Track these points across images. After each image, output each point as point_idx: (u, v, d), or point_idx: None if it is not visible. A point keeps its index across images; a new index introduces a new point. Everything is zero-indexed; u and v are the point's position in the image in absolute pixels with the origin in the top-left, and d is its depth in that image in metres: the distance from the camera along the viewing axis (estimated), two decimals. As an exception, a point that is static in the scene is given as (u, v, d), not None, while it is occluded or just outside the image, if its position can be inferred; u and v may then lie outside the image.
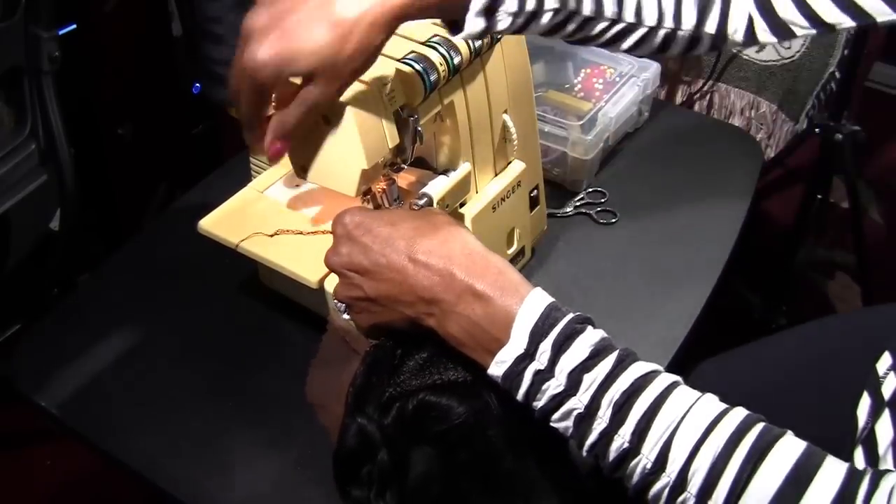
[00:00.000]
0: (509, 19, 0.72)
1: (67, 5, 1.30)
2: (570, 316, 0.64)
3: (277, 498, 0.87)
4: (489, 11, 0.71)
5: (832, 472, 0.57)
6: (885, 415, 0.71)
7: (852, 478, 0.56)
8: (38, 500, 1.53)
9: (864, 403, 0.76)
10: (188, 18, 1.49)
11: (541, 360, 0.62)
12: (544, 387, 0.62)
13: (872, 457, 0.71)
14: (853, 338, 0.86)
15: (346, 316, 0.75)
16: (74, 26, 1.38)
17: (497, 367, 0.64)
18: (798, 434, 0.59)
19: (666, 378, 0.62)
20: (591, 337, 0.63)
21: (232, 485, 0.88)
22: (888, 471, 0.57)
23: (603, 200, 1.19)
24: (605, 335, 0.64)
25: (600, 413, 0.61)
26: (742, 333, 1.10)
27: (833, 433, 0.76)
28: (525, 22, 0.73)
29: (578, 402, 0.61)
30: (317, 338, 0.98)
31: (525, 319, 0.63)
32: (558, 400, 0.62)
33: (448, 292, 0.65)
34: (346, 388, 0.72)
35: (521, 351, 0.63)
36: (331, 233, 0.75)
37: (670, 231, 1.14)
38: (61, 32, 1.17)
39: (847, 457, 0.73)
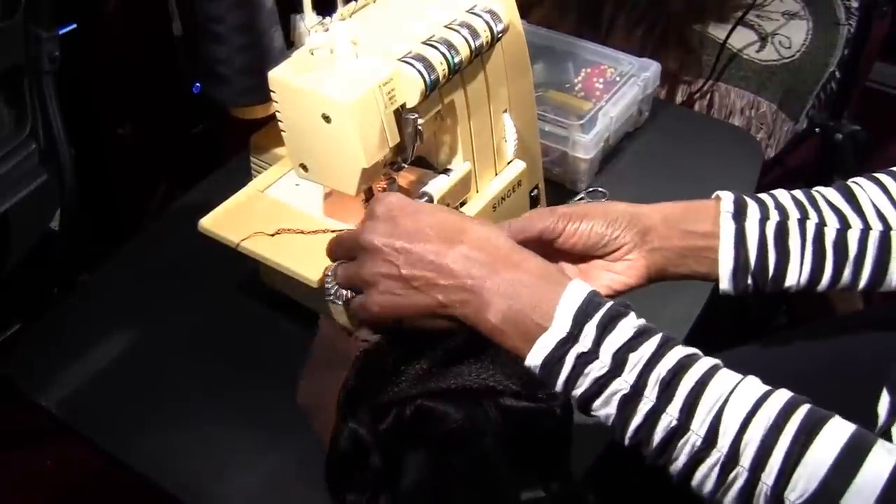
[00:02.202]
0: None
1: (67, 5, 1.30)
2: (612, 301, 0.64)
3: (277, 498, 0.87)
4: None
5: (885, 450, 0.57)
6: None
7: None
8: (38, 500, 1.53)
9: (884, 401, 0.75)
10: (188, 18, 1.49)
11: (584, 343, 0.62)
12: (587, 370, 0.62)
13: None
14: (871, 334, 0.86)
15: (338, 296, 0.73)
16: (74, 26, 1.38)
17: (537, 355, 0.63)
18: None
19: (709, 360, 0.62)
20: (634, 320, 0.63)
21: (232, 485, 0.88)
22: None
23: (603, 200, 1.19)
24: (645, 321, 0.64)
25: (647, 392, 0.61)
26: (742, 333, 1.10)
27: None
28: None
29: (624, 382, 0.61)
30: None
31: (568, 304, 0.63)
32: (601, 382, 0.61)
33: (490, 281, 0.65)
34: (336, 392, 0.71)
35: (564, 335, 0.62)
36: (332, 232, 0.75)
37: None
38: (61, 32, 1.17)
39: None
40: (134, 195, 1.64)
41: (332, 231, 0.91)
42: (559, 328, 0.63)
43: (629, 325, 0.62)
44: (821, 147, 1.67)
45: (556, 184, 1.20)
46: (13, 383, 0.97)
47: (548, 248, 0.76)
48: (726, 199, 0.76)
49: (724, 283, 0.76)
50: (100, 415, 0.94)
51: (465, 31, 0.86)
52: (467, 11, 0.88)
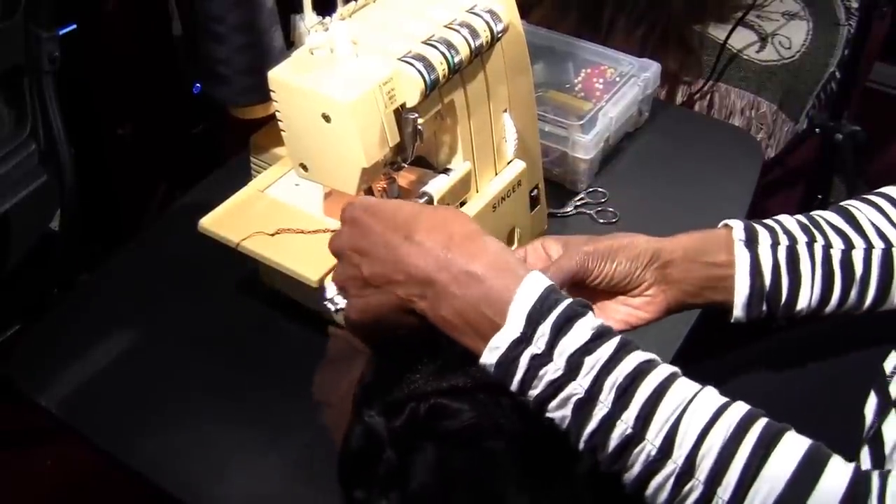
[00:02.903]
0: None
1: (67, 5, 1.30)
2: (570, 300, 0.61)
3: (277, 498, 0.87)
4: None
5: (841, 466, 0.57)
6: (892, 415, 0.71)
7: (860, 473, 0.56)
8: (38, 500, 1.53)
9: (871, 403, 0.76)
10: (188, 18, 1.49)
11: (538, 344, 0.60)
12: (541, 372, 0.60)
13: (878, 456, 0.70)
14: (860, 337, 0.86)
15: (332, 305, 0.73)
16: (74, 26, 1.38)
17: (491, 354, 0.61)
18: (804, 432, 0.59)
19: (667, 367, 0.61)
20: (592, 321, 0.61)
21: (232, 485, 0.88)
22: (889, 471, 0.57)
23: (603, 200, 1.19)
24: (606, 322, 0.62)
25: (602, 397, 0.59)
26: (742, 333, 1.10)
27: (839, 433, 0.76)
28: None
29: (578, 386, 0.59)
30: (317, 337, 0.98)
31: (522, 302, 0.61)
32: (556, 386, 0.60)
33: (442, 272, 0.62)
34: (350, 387, 0.71)
35: (518, 335, 0.60)
36: (332, 231, 0.75)
37: (670, 231, 1.13)
38: (61, 32, 1.17)
39: (853, 456, 0.73)
40: (134, 195, 1.64)
41: (332, 231, 0.91)
42: (513, 328, 0.60)
43: (586, 326, 0.60)
44: (821, 147, 1.67)
45: (556, 184, 1.20)
46: (13, 383, 0.97)
47: (570, 285, 0.75)
48: (737, 227, 0.76)
49: (738, 311, 0.75)
50: (100, 415, 0.94)
51: (465, 31, 0.86)
52: (467, 11, 0.88)
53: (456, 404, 0.67)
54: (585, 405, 0.59)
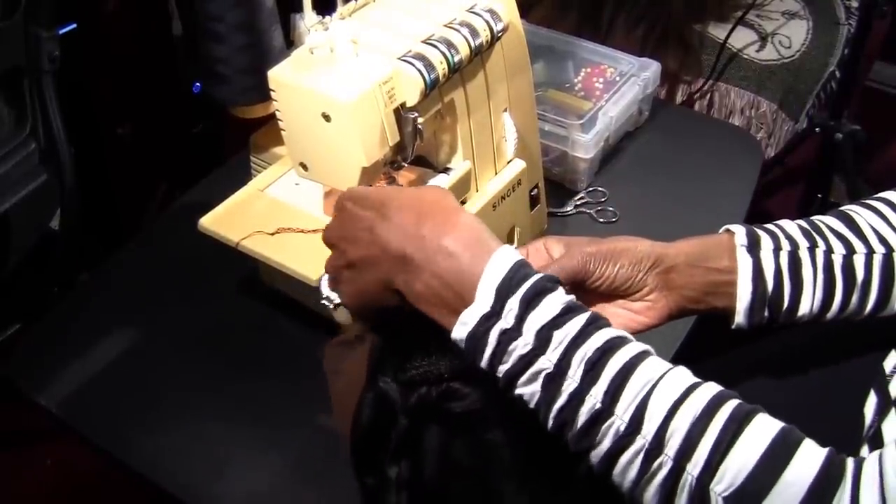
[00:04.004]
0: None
1: (67, 5, 1.30)
2: (540, 274, 0.61)
3: (277, 497, 0.87)
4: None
5: (813, 448, 0.56)
6: (892, 414, 0.71)
7: (835, 456, 0.56)
8: (38, 500, 1.53)
9: (871, 402, 0.76)
10: (188, 17, 1.49)
11: (507, 319, 0.60)
12: (511, 347, 0.60)
13: None
14: (860, 336, 0.86)
15: (329, 303, 0.73)
16: (74, 26, 1.38)
17: (461, 329, 0.61)
18: (804, 431, 0.59)
19: (639, 345, 0.61)
20: (561, 296, 0.61)
21: (232, 484, 0.88)
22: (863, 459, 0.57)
23: (603, 199, 1.19)
24: (575, 298, 0.62)
25: (570, 372, 0.59)
26: (742, 333, 1.10)
27: (839, 431, 0.76)
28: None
29: (547, 361, 0.59)
30: (317, 337, 0.98)
31: (491, 277, 0.60)
32: (526, 360, 0.59)
33: (415, 248, 0.62)
34: (360, 360, 0.71)
35: (487, 310, 0.60)
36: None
37: (670, 230, 1.13)
38: (61, 32, 1.17)
39: (852, 455, 0.73)
40: (134, 195, 1.64)
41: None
42: (482, 303, 0.60)
43: (556, 301, 0.60)
44: (821, 147, 1.67)
45: (555, 183, 1.20)
46: (13, 383, 0.97)
47: (570, 286, 0.75)
48: (739, 232, 0.76)
49: (740, 317, 0.75)
50: (99, 415, 0.94)
51: (465, 31, 0.86)
52: (467, 11, 0.88)
53: (466, 389, 0.66)
54: (554, 380, 0.59)
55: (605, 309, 0.76)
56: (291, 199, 0.99)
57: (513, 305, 0.60)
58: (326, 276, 0.74)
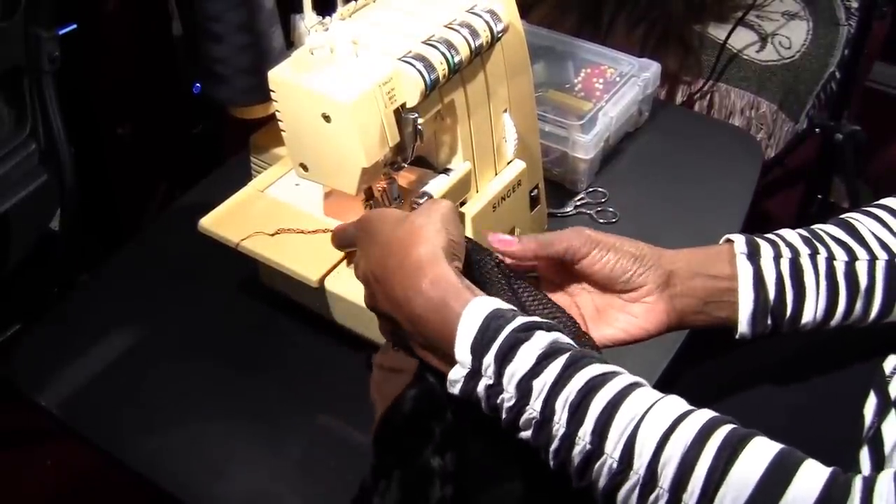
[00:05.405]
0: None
1: (67, 5, 1.30)
2: (513, 324, 0.61)
3: (277, 497, 0.87)
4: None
5: (815, 468, 0.55)
6: (892, 415, 0.71)
7: (838, 476, 0.55)
8: (38, 500, 1.53)
9: (871, 403, 0.75)
10: (188, 17, 1.49)
11: (488, 374, 0.60)
12: (498, 401, 0.60)
13: (878, 456, 0.70)
14: (860, 337, 0.86)
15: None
16: (74, 26, 1.38)
17: (455, 387, 0.62)
18: (804, 433, 0.58)
19: (626, 378, 0.60)
20: (538, 342, 0.60)
21: (232, 485, 0.88)
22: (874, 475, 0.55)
23: (603, 200, 1.19)
24: (558, 337, 0.61)
25: (556, 417, 0.59)
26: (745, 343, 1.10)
27: (839, 433, 0.76)
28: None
29: (532, 410, 0.59)
30: (317, 338, 0.98)
31: (464, 337, 0.61)
32: (515, 412, 0.60)
33: (400, 315, 0.65)
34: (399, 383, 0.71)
35: (469, 369, 0.61)
36: (332, 231, 0.75)
37: (670, 230, 1.14)
38: (61, 32, 1.17)
39: (853, 456, 0.73)
40: (134, 195, 1.64)
41: (332, 231, 0.91)
42: (463, 363, 0.61)
43: (532, 350, 0.60)
44: (821, 147, 1.67)
45: (556, 184, 1.20)
46: (13, 383, 0.97)
47: (567, 271, 0.75)
48: (739, 240, 0.75)
49: (743, 326, 0.74)
50: (100, 415, 0.94)
51: (465, 31, 0.86)
52: (467, 11, 0.88)
53: None
54: (544, 426, 0.59)
55: (604, 312, 0.76)
56: (291, 199, 0.99)
57: (489, 362, 0.60)
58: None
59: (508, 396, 0.60)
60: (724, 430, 0.57)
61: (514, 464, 0.68)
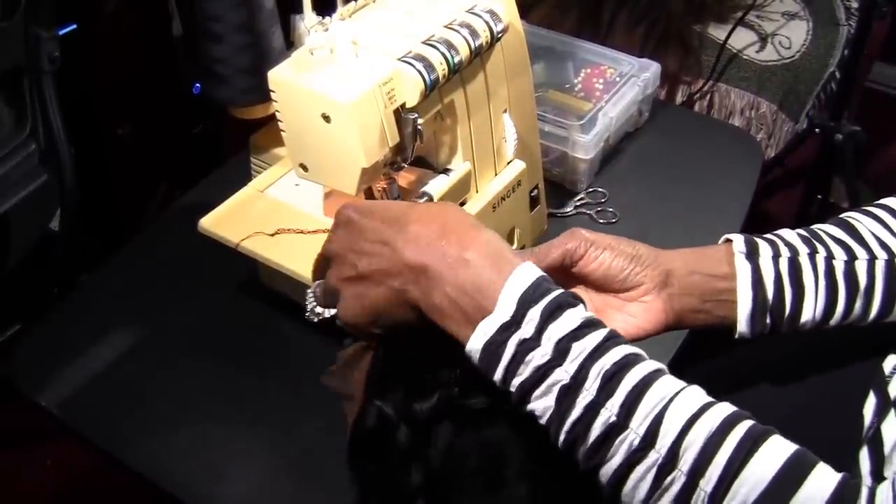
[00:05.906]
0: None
1: (67, 5, 1.30)
2: (562, 290, 0.62)
3: (277, 498, 0.87)
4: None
5: (828, 471, 0.56)
6: (892, 415, 0.71)
7: (849, 479, 0.56)
8: (38, 500, 1.53)
9: (870, 403, 0.75)
10: (188, 17, 1.49)
11: (527, 329, 0.60)
12: (528, 357, 0.60)
13: (878, 456, 0.70)
14: (860, 337, 0.86)
15: (314, 316, 0.73)
16: (74, 26, 1.38)
17: (478, 339, 0.61)
18: (803, 432, 0.59)
19: (653, 363, 0.61)
20: (582, 311, 0.61)
21: (232, 484, 0.88)
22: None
23: (603, 200, 1.19)
24: (595, 317, 0.62)
25: (587, 384, 0.59)
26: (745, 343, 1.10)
27: (839, 433, 0.76)
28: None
29: (564, 372, 0.59)
30: (316, 338, 0.98)
31: (514, 287, 0.61)
32: (542, 371, 0.59)
33: (436, 259, 0.62)
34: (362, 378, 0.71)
35: (507, 318, 0.60)
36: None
37: (670, 231, 1.14)
38: (61, 32, 1.17)
39: (852, 456, 0.73)
40: (134, 195, 1.64)
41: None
42: (502, 312, 0.60)
43: (576, 315, 0.60)
44: (821, 147, 1.67)
45: (556, 184, 1.20)
46: (13, 383, 0.97)
47: (565, 272, 0.75)
48: (737, 240, 0.75)
49: (742, 326, 0.74)
50: (100, 415, 0.94)
51: (464, 31, 0.86)
52: (467, 11, 0.88)
53: (476, 390, 0.67)
54: (570, 392, 0.59)
55: (602, 312, 0.76)
56: (291, 199, 0.99)
57: (533, 315, 0.60)
58: (312, 290, 0.73)
59: (542, 354, 0.60)
60: (746, 424, 0.58)
61: (508, 468, 0.68)
